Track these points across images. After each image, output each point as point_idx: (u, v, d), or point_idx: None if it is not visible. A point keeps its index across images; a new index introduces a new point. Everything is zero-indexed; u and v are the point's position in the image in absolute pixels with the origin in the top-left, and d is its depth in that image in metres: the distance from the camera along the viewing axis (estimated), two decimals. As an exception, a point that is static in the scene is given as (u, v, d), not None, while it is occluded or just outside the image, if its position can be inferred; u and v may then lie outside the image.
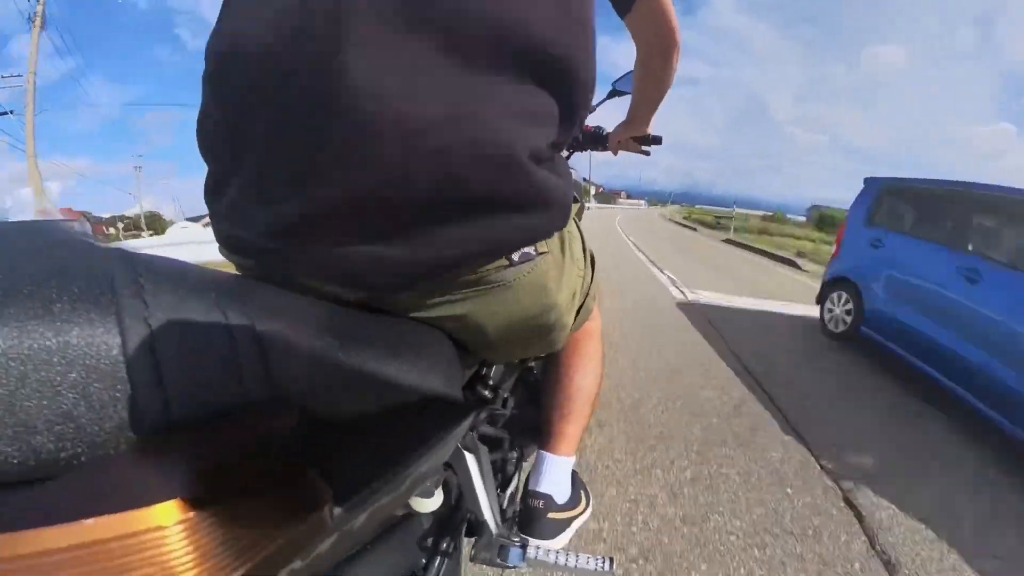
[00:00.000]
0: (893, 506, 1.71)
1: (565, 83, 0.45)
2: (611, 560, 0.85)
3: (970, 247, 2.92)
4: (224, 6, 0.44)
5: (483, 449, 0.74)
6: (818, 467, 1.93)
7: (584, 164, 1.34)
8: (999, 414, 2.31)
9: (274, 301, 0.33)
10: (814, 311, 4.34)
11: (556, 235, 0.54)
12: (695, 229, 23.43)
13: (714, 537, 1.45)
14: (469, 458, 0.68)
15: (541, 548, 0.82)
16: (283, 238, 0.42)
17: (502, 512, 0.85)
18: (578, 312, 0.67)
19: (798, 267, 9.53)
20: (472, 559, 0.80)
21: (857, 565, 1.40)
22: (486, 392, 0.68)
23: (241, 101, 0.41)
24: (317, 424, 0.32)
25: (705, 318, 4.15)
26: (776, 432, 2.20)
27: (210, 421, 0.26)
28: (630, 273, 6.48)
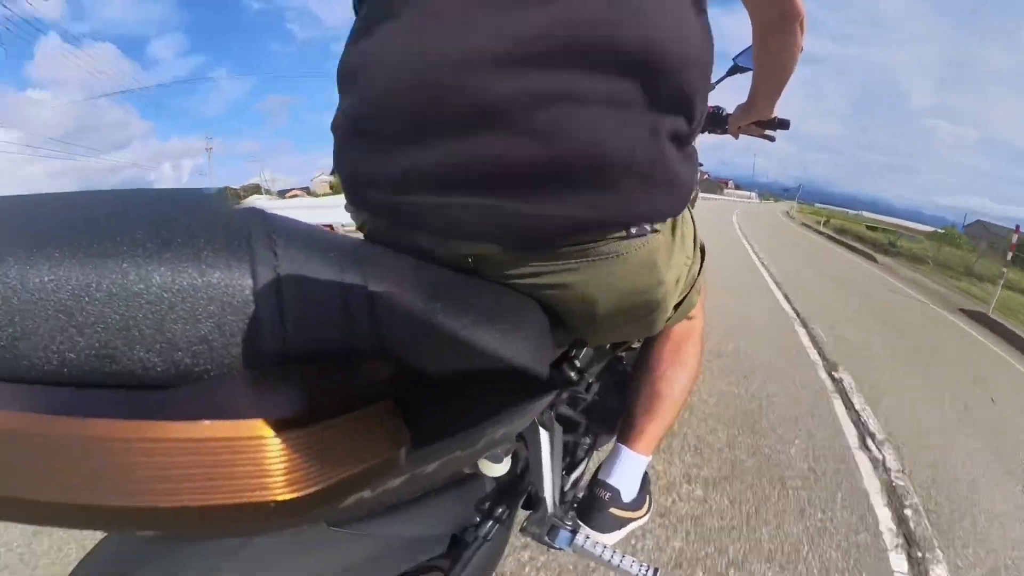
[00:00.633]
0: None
1: (684, 65, 0.45)
2: (655, 570, 0.80)
3: None
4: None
5: (558, 429, 0.73)
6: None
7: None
8: None
9: (387, 264, 0.37)
10: None
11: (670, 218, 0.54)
12: (864, 253, 13.40)
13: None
14: (543, 434, 0.68)
15: (590, 539, 0.80)
16: (415, 192, 0.44)
17: (562, 494, 0.85)
18: (681, 302, 0.66)
19: None
20: (522, 530, 0.81)
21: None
22: (572, 373, 0.67)
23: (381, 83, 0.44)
24: (410, 375, 0.35)
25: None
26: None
27: (318, 359, 0.30)
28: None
